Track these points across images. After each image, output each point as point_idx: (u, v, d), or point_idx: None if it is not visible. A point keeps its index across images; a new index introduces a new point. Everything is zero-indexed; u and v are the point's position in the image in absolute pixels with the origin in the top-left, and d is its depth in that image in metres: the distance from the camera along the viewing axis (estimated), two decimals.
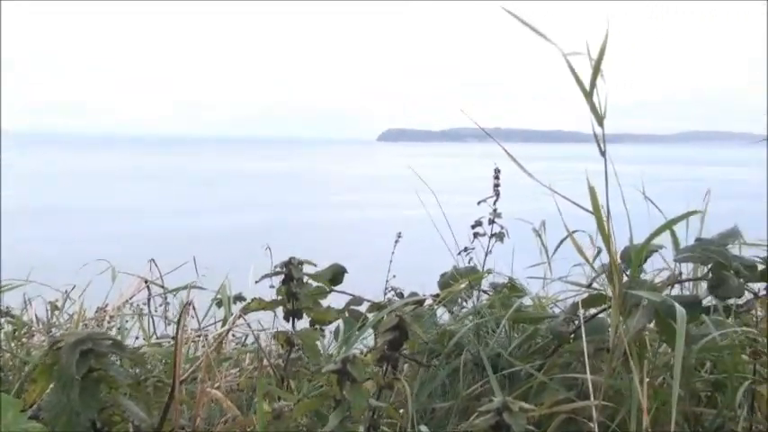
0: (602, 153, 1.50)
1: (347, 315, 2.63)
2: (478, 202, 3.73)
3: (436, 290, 3.03)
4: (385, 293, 3.72)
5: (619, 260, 1.65)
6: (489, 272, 3.30)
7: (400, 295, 3.73)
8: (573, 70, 1.41)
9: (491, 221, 3.66)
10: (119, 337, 2.70)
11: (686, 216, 1.94)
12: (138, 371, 1.58)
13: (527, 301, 2.96)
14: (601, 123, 1.47)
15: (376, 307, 2.76)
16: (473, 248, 3.58)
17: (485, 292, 3.06)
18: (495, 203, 3.71)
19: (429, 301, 2.83)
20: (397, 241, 4.28)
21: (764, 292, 2.65)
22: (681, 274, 2.16)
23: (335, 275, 2.77)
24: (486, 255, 3.55)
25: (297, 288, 1.83)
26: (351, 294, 2.81)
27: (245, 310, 1.99)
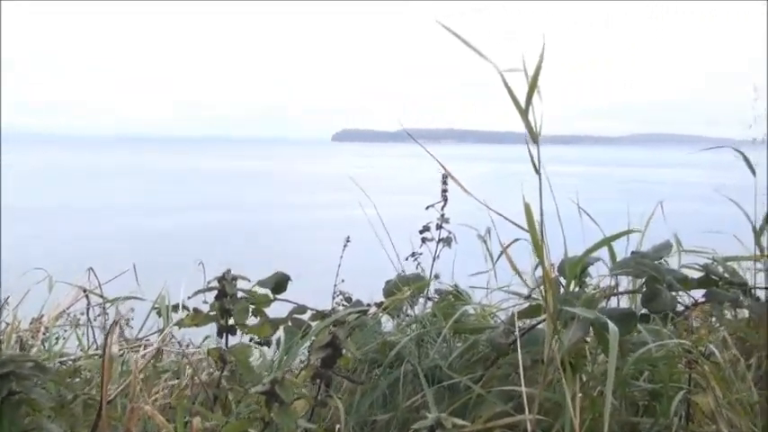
0: (537, 171, 1.50)
1: (290, 324, 2.60)
2: (426, 207, 3.72)
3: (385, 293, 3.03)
4: (333, 297, 3.70)
5: (556, 273, 1.66)
6: (437, 276, 3.31)
7: (348, 300, 3.71)
8: (509, 89, 1.41)
9: (439, 226, 3.66)
10: (55, 348, 2.63)
11: (624, 234, 1.96)
12: (64, 391, 1.54)
13: (471, 309, 2.96)
14: (536, 141, 1.47)
15: (320, 316, 2.74)
16: (421, 254, 3.58)
17: (430, 299, 3.06)
18: (442, 208, 3.71)
19: (373, 310, 2.82)
20: (345, 245, 4.26)
21: (703, 300, 2.70)
22: (618, 285, 2.18)
23: (279, 284, 2.74)
24: (434, 260, 3.55)
25: (230, 304, 1.80)
26: (294, 303, 2.78)
27: (179, 325, 1.95)
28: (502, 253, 2.72)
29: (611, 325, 1.56)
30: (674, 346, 2.02)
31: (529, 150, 1.54)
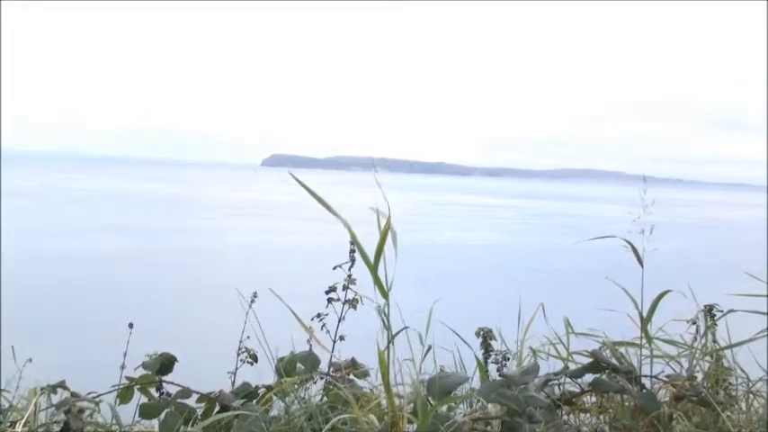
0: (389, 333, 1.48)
1: (173, 409, 2.51)
2: (334, 268, 3.70)
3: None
4: (238, 354, 3.62)
5: (425, 392, 1.64)
6: (342, 338, 3.27)
7: (254, 357, 3.64)
8: (362, 252, 1.39)
9: (345, 287, 3.62)
10: None
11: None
12: None
13: (367, 385, 2.93)
14: (386, 296, 1.46)
15: (205, 399, 2.66)
16: (326, 314, 3.54)
17: (325, 376, 3.01)
18: (350, 269, 3.68)
19: (262, 392, 2.76)
20: (252, 301, 4.17)
21: (590, 388, 2.74)
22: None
23: (164, 365, 2.66)
24: (339, 321, 3.51)
25: None
26: (179, 385, 2.70)
27: None
28: (390, 340, 2.72)
29: None
30: None
31: (378, 307, 1.52)
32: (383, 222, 1.33)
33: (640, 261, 2.67)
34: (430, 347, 2.68)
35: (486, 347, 3.45)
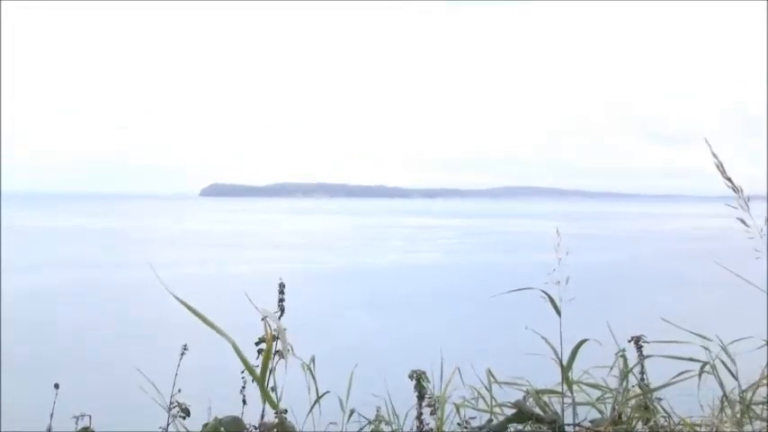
0: None
1: None
2: (262, 318, 3.65)
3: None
4: (169, 410, 3.55)
5: None
6: (274, 389, 3.22)
7: (186, 411, 3.57)
8: (245, 363, 1.36)
9: (275, 338, 3.58)
10: None
11: None
12: None
13: None
14: (275, 408, 1.44)
15: None
16: (256, 366, 3.48)
17: None
18: (279, 319, 3.64)
19: None
20: (183, 353, 4.10)
21: None
22: None
23: None
24: (270, 373, 3.46)
25: None
26: None
27: None
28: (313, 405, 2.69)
29: None
30: None
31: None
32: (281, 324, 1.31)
33: (558, 311, 2.71)
34: (353, 411, 2.66)
35: (420, 390, 3.44)
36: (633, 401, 2.94)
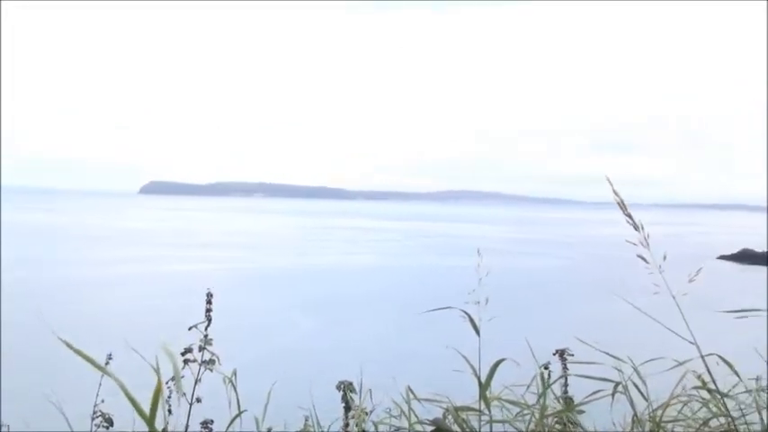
0: None
1: None
2: (189, 328, 3.61)
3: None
4: (92, 419, 3.50)
5: None
6: (199, 400, 3.20)
7: (109, 422, 3.53)
8: (134, 404, 1.36)
9: (201, 348, 3.55)
10: None
11: None
12: None
13: None
14: None
15: None
16: (183, 377, 3.44)
17: None
18: (206, 329, 3.61)
19: None
20: (107, 362, 4.03)
21: None
22: None
23: None
24: (196, 383, 3.43)
25: None
26: None
27: None
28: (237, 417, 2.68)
29: None
30: None
31: None
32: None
33: (477, 331, 2.74)
34: (269, 430, 2.65)
35: (347, 402, 3.45)
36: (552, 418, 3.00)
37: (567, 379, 3.32)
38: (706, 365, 2.37)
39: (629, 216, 2.03)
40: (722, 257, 70.10)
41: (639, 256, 2.01)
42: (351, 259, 61.26)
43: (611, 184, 2.04)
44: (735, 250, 71.17)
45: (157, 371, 1.31)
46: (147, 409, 1.34)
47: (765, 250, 69.22)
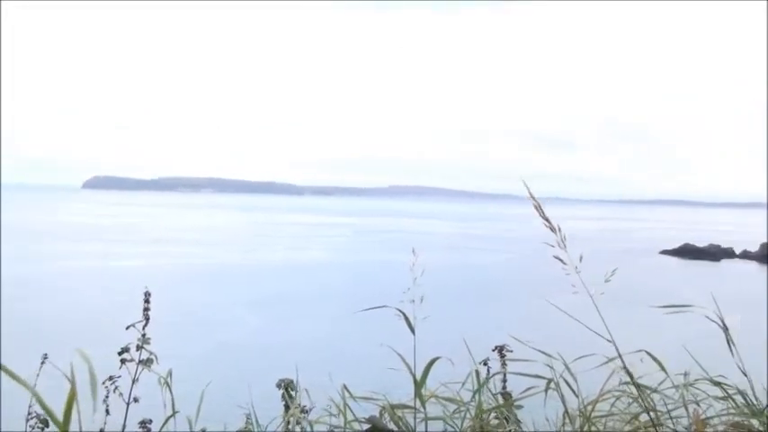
0: None
1: None
2: (127, 327, 3.57)
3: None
4: (27, 420, 3.44)
5: None
6: (136, 400, 3.17)
7: (44, 423, 3.47)
8: (47, 410, 1.34)
9: (139, 347, 3.50)
10: None
11: None
12: None
13: None
14: None
15: None
16: (119, 377, 3.41)
17: None
18: (144, 328, 3.57)
19: None
20: (42, 362, 3.96)
21: None
22: None
23: None
24: (133, 383, 3.39)
25: None
26: None
27: None
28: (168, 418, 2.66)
29: None
30: None
31: None
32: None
33: (412, 329, 2.77)
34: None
35: (287, 401, 3.44)
36: (490, 413, 3.03)
37: (506, 375, 3.36)
38: (623, 362, 2.42)
39: (547, 219, 2.07)
40: (664, 252, 71.67)
41: (556, 257, 2.05)
42: (300, 255, 61.05)
43: (528, 188, 2.07)
44: (676, 245, 72.75)
45: (72, 380, 1.29)
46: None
47: (706, 245, 71.04)
